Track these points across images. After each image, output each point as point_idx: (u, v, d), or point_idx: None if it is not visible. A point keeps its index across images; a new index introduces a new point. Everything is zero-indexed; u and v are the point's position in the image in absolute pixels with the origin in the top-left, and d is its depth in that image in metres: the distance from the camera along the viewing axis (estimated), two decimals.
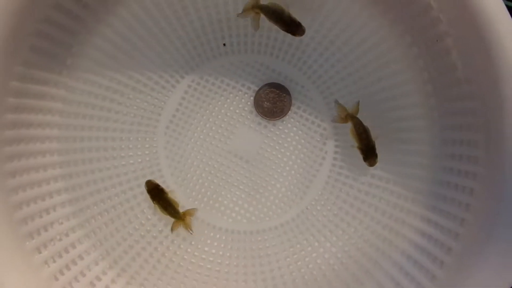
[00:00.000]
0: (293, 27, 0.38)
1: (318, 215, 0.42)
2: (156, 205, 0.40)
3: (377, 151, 0.39)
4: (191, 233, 0.41)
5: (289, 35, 0.39)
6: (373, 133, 0.39)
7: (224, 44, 0.43)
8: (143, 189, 0.41)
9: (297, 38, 0.40)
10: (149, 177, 0.42)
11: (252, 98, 0.43)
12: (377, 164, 0.40)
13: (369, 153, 0.39)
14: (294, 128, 0.44)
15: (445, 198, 0.36)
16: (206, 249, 0.42)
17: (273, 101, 0.43)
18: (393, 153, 0.40)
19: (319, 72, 0.43)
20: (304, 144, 0.44)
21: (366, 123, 0.39)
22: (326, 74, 0.43)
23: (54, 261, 0.35)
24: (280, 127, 0.44)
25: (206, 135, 0.44)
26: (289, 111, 0.43)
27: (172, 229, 0.41)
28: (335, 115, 0.41)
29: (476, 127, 0.32)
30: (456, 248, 0.33)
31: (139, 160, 0.43)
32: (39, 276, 0.33)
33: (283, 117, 0.43)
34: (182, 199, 0.43)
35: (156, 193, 0.41)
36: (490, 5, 0.28)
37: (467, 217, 0.33)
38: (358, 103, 0.40)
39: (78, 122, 0.40)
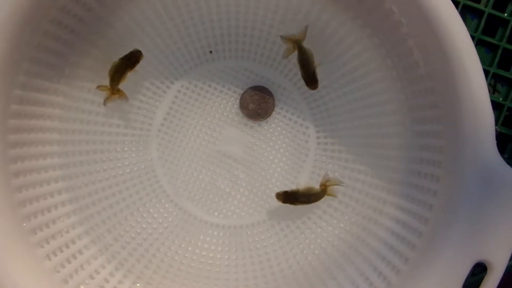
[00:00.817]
0: (311, 79, 0.43)
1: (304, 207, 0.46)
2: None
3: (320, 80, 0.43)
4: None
5: (276, 44, 0.44)
6: (316, 61, 0.43)
7: (211, 52, 0.46)
8: (139, 188, 0.45)
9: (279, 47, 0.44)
10: (143, 178, 0.45)
11: (237, 100, 0.47)
12: (355, 158, 0.43)
13: (310, 79, 0.43)
14: (278, 128, 0.47)
15: (416, 187, 0.39)
16: (205, 246, 0.45)
17: (258, 103, 0.46)
18: (369, 147, 0.43)
19: (299, 75, 0.46)
20: (288, 142, 0.47)
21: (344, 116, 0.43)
22: None
23: (56, 255, 0.38)
24: (265, 127, 0.47)
25: (196, 136, 0.47)
26: (273, 112, 0.47)
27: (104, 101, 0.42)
28: (284, 49, 0.43)
29: (438, 119, 0.35)
30: (425, 232, 0.36)
31: (134, 161, 0.46)
32: (42, 268, 0.36)
33: (267, 117, 0.47)
34: (175, 198, 0.46)
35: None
36: (441, 7, 0.31)
37: (435, 203, 0.36)
38: (306, 27, 0.42)
39: (76, 127, 0.43)
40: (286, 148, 0.47)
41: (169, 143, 0.46)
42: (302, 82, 0.46)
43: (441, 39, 0.32)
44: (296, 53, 0.43)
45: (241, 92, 0.47)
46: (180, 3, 0.43)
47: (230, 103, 0.47)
